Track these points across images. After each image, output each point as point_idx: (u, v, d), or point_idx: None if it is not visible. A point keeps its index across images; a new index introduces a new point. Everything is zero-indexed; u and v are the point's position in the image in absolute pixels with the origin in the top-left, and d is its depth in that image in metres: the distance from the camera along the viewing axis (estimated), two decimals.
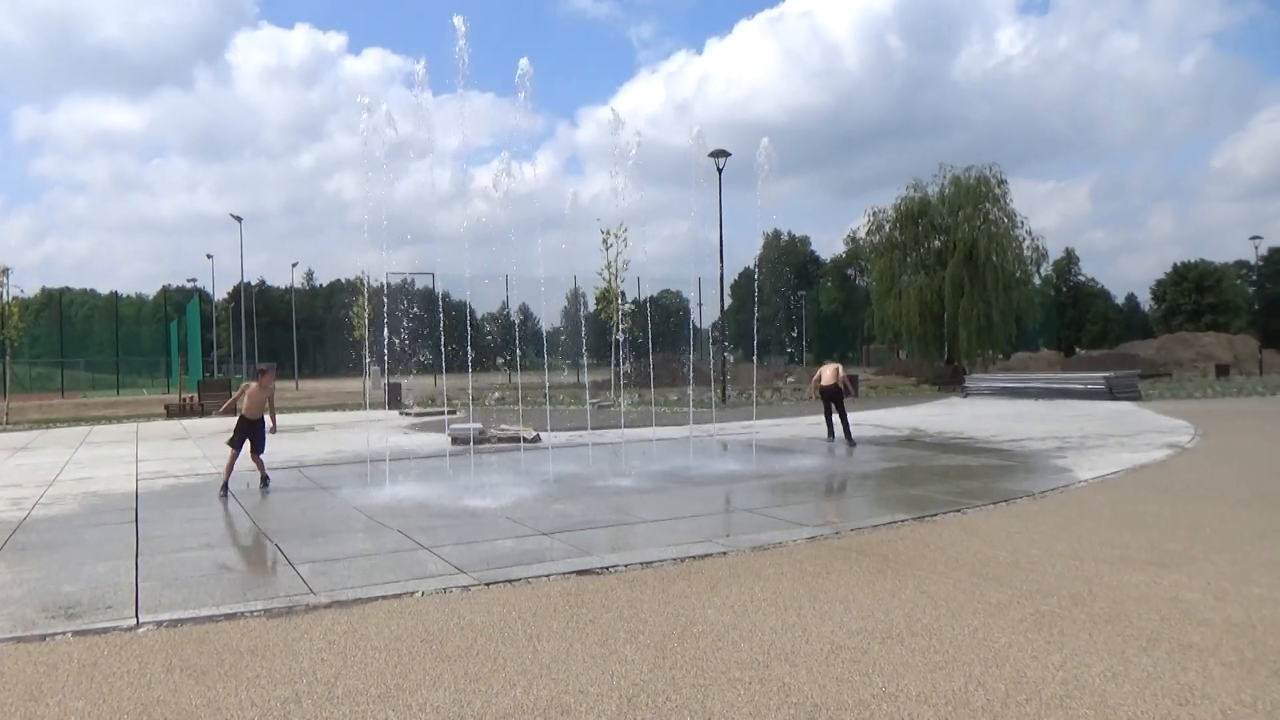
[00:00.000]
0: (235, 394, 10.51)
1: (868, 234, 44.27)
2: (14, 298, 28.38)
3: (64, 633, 4.95)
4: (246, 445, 10.36)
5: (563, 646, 4.51)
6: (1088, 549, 6.56)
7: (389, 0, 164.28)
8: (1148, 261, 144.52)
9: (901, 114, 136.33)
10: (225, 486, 10.11)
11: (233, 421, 10.62)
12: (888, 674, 4.02)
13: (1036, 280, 44.85)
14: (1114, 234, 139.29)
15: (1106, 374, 28.64)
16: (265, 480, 10.47)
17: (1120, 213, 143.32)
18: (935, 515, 8.01)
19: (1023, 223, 40.23)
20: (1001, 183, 39.99)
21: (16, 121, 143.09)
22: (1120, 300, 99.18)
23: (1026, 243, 40.39)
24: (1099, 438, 15.00)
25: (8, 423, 24.54)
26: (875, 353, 61.54)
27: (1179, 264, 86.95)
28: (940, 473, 10.99)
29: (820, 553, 6.61)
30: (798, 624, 4.80)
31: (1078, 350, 70.48)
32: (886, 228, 42.12)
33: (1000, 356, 44.45)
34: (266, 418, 10.47)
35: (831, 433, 15.19)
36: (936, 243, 40.87)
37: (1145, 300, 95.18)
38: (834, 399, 15.06)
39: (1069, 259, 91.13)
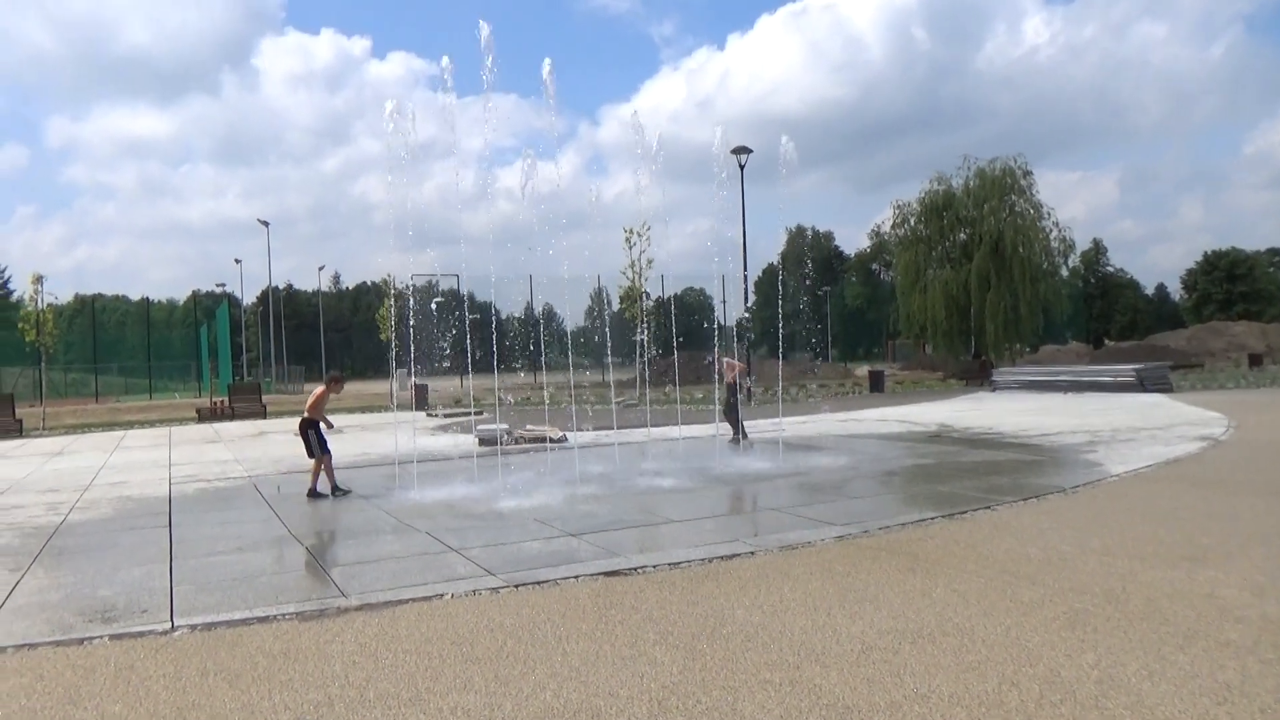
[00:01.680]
0: (317, 399, 10.45)
1: (892, 228, 44.01)
2: (48, 305, 28.81)
3: (101, 636, 5.03)
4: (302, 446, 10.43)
5: (592, 648, 4.52)
6: (1121, 545, 6.48)
7: (413, 4, 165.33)
8: (1177, 251, 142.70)
9: (925, 106, 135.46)
10: (335, 486, 10.24)
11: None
12: (920, 675, 3.99)
13: (1064, 272, 44.34)
14: (1142, 223, 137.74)
15: (1137, 366, 28.27)
16: (318, 491, 10.29)
17: (1149, 202, 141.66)
18: (965, 512, 7.94)
19: (1049, 214, 39.83)
20: (1027, 174, 39.61)
21: (48, 130, 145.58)
22: (1150, 290, 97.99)
23: (1053, 234, 39.95)
24: (1130, 431, 14.81)
25: (44, 428, 24.95)
26: (901, 348, 61.21)
27: (1209, 252, 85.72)
28: (969, 469, 10.90)
29: (849, 552, 6.58)
30: (828, 624, 4.78)
31: (1107, 342, 69.67)
32: (911, 221, 41.81)
33: (1028, 350, 43.98)
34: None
35: (738, 433, 14.67)
36: (962, 236, 40.51)
37: (1175, 290, 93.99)
38: (734, 394, 14.99)
39: (1097, 250, 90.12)
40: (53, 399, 34.68)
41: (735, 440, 14.42)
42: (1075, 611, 4.87)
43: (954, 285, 39.01)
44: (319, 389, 10.71)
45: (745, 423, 14.69)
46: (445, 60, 11.29)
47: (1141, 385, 25.97)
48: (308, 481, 10.36)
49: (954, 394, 29.36)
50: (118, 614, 5.49)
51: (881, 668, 4.10)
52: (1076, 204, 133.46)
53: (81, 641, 4.96)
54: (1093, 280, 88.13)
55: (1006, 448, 13.12)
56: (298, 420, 10.60)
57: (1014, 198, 39.33)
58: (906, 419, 18.99)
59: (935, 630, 4.61)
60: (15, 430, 23.54)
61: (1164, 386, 26.28)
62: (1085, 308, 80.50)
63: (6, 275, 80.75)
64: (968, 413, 20.40)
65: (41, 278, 27.82)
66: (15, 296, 70.33)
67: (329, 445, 10.41)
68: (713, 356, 16.70)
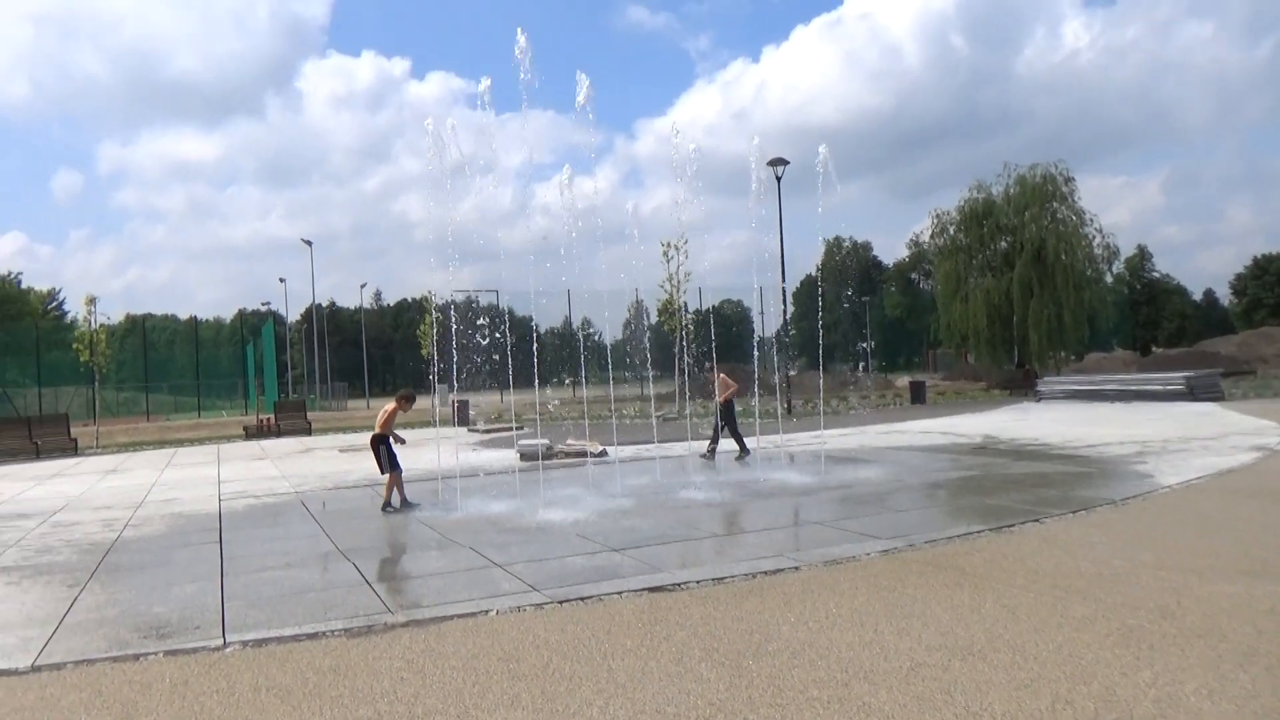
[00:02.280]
0: (389, 416, 10.58)
1: (931, 237, 43.53)
2: (101, 325, 29.54)
3: (156, 653, 5.13)
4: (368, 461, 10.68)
5: (638, 665, 4.52)
6: (1175, 559, 6.35)
7: (451, 26, 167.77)
8: (1226, 255, 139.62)
9: (964, 112, 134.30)
10: (405, 500, 10.39)
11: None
12: (971, 693, 3.94)
13: (1108, 279, 43.58)
14: (1189, 228, 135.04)
15: (1186, 373, 27.65)
16: (393, 504, 10.45)
17: (1195, 205, 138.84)
18: (1012, 526, 7.82)
19: (1092, 220, 39.18)
20: (1069, 180, 39.01)
21: (99, 156, 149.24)
22: (1198, 296, 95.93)
23: (1097, 240, 39.27)
24: (1181, 441, 14.50)
25: (98, 446, 25.54)
26: (942, 357, 60.51)
27: (1260, 256, 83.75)
28: (1015, 481, 10.73)
29: (894, 566, 6.51)
30: (875, 640, 4.73)
31: (1154, 349, 68.32)
32: (950, 230, 41.37)
33: (1073, 358, 43.22)
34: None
35: (745, 449, 14.44)
36: (1003, 244, 40.00)
37: (1224, 295, 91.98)
38: (725, 411, 14.52)
39: (1141, 255, 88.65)
40: (105, 418, 35.49)
41: (737, 455, 14.27)
42: (1129, 628, 4.77)
43: (996, 294, 38.52)
44: (390, 405, 10.78)
45: (748, 437, 14.51)
46: (484, 82, 11.42)
47: (1191, 393, 25.40)
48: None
49: (998, 404, 28.94)
50: (172, 630, 5.60)
51: (932, 685, 4.05)
52: (1120, 209, 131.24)
53: (137, 657, 5.07)
54: (1138, 287, 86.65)
55: (1054, 459, 12.90)
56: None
57: (1055, 204, 38.76)
58: (950, 430, 18.76)
59: (985, 646, 4.55)
60: (71, 448, 24.11)
61: (1215, 395, 25.68)
62: (1131, 315, 79.13)
63: (61, 297, 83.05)
64: (1013, 424, 20.10)
65: (94, 299, 28.57)
66: (70, 318, 72.40)
67: (399, 461, 10.50)
68: (710, 364, 15.70)
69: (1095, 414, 21.96)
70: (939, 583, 5.92)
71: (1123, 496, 9.20)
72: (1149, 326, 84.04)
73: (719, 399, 14.59)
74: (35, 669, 4.95)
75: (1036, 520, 8.03)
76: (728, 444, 14.62)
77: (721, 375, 14.69)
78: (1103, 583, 5.74)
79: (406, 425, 29.63)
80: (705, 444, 14.95)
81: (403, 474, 10.47)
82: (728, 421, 14.51)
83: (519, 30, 11.13)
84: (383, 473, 10.46)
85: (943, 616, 5.12)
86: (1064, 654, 4.39)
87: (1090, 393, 28.50)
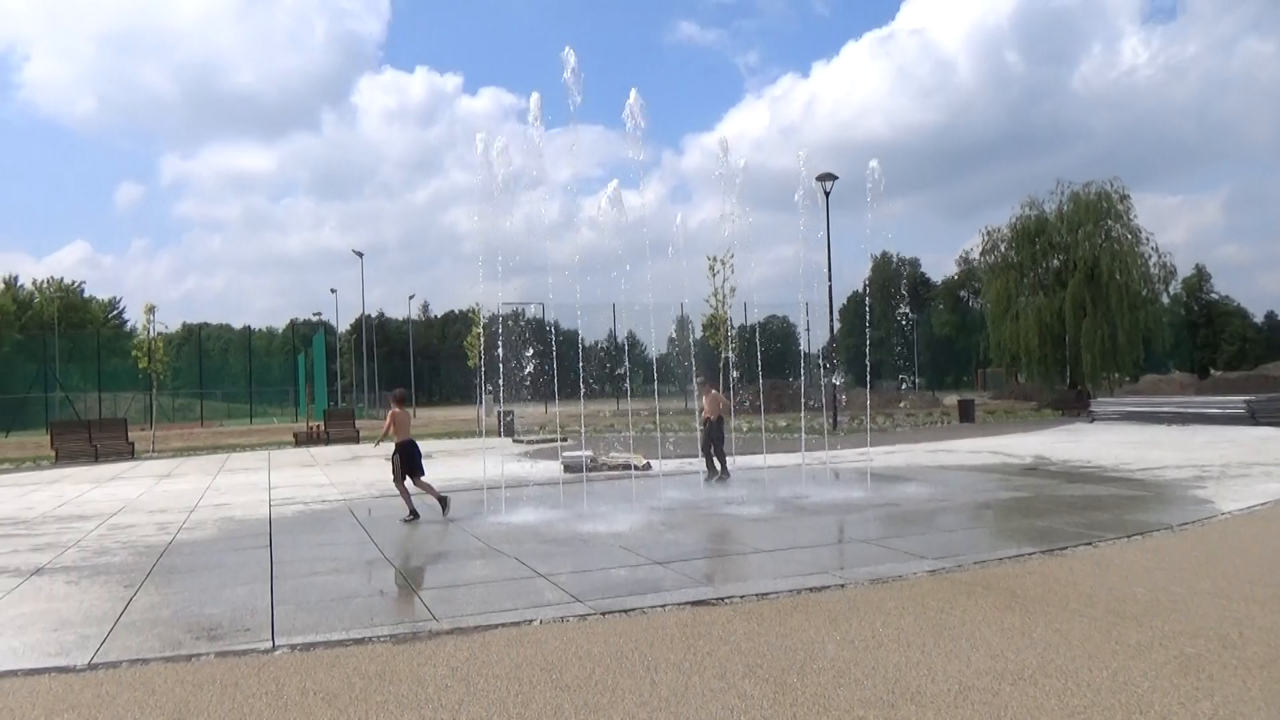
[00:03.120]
0: (393, 422, 10.86)
1: (982, 254, 42.90)
2: (158, 333, 30.29)
3: (207, 654, 5.23)
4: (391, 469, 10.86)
5: (680, 679, 4.50)
6: (1236, 587, 6.16)
7: (504, 42, 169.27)
8: None
9: (1017, 128, 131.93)
10: (413, 511, 10.50)
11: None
12: (1021, 718, 3.85)
13: (1165, 299, 42.51)
14: (1250, 247, 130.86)
15: (1247, 397, 26.85)
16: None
17: (1257, 225, 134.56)
18: (1064, 548, 7.66)
19: (1148, 239, 38.31)
20: (1124, 198, 38.22)
21: (162, 168, 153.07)
22: (1259, 318, 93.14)
23: (1153, 260, 38.38)
24: (1242, 466, 14.08)
25: (154, 450, 26.15)
26: (992, 376, 59.55)
27: None
28: (1068, 503, 10.51)
29: (942, 587, 6.40)
30: (922, 662, 4.65)
31: (1213, 372, 66.49)
32: (1001, 247, 40.76)
33: (1127, 380, 42.25)
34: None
35: (713, 470, 13.92)
36: (1055, 262, 39.33)
37: None
38: (715, 430, 13.97)
39: (1199, 276, 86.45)
40: (161, 423, 36.35)
41: (717, 477, 13.81)
42: (1187, 656, 4.64)
43: (1048, 313, 37.85)
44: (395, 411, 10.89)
45: (732, 456, 14.09)
46: (534, 98, 11.57)
47: (1252, 417, 24.67)
48: (400, 505, 10.65)
49: (1049, 425, 28.39)
50: (223, 632, 5.70)
51: (981, 709, 3.97)
52: (1177, 228, 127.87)
53: (189, 658, 5.17)
54: (1196, 308, 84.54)
55: (1107, 482, 12.61)
56: (388, 445, 11.07)
57: (1110, 222, 38.00)
58: (999, 450, 18.43)
59: (1036, 671, 4.45)
60: (128, 452, 24.75)
61: (1277, 419, 24.91)
62: (1189, 337, 77.17)
63: (122, 305, 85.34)
64: (1064, 444, 19.69)
65: (153, 308, 29.29)
66: (129, 326, 74.37)
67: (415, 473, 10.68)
68: (699, 379, 14.82)
69: (1151, 436, 21.43)
70: (988, 605, 5.81)
71: (1180, 521, 8.96)
72: (1207, 349, 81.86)
73: (706, 415, 14.12)
74: (92, 667, 5.08)
75: (1089, 544, 7.85)
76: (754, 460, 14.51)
77: (714, 392, 14.30)
78: (1159, 610, 5.59)
79: (454, 435, 29.86)
80: (747, 459, 14.83)
81: (417, 485, 10.69)
82: (714, 440, 14.07)
83: (568, 49, 11.25)
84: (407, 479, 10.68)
85: (992, 639, 5.02)
86: (1119, 682, 4.28)
87: (1145, 414, 27.82)
